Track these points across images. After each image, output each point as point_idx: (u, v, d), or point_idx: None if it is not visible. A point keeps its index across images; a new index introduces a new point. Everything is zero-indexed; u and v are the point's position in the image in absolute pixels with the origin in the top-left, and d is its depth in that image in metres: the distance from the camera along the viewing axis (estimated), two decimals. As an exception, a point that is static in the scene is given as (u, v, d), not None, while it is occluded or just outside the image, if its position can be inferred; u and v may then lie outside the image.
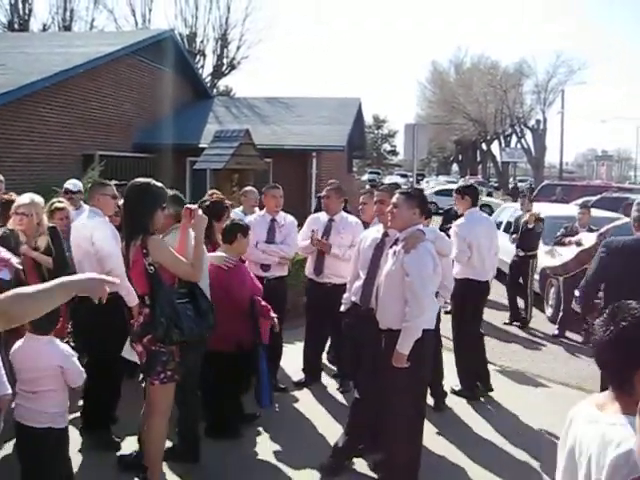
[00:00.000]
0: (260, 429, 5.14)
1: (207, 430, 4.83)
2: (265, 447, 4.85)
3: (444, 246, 4.72)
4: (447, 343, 7.87)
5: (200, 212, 4.07)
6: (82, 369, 3.72)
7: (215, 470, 4.44)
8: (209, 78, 33.96)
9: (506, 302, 9.57)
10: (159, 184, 3.98)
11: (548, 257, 8.52)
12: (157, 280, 3.75)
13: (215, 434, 4.86)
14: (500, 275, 11.76)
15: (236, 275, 4.92)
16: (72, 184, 6.90)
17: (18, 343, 3.67)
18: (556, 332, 8.50)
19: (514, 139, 53.42)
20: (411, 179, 13.90)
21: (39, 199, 5.04)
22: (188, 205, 4.13)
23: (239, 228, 5.07)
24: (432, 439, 4.95)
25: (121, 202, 4.68)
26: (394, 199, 4.34)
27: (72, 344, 4.87)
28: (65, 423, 3.71)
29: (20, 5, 32.61)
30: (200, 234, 3.97)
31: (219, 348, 4.63)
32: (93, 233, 4.71)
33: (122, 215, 4.31)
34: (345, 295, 5.13)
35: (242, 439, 4.93)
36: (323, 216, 6.23)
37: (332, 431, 5.03)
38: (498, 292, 11.11)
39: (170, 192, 4.37)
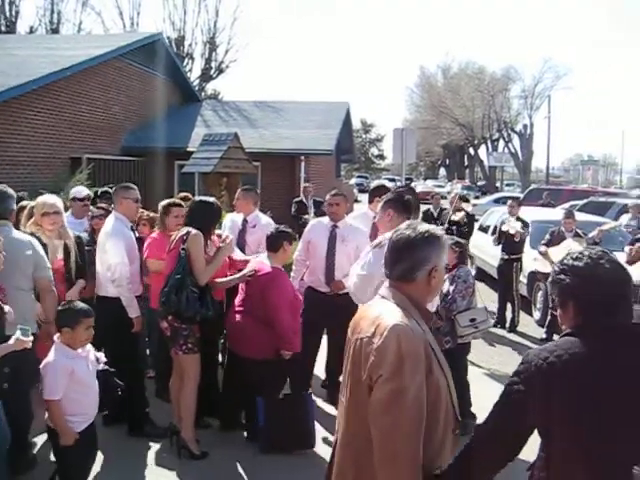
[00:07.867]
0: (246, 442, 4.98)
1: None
2: (254, 461, 4.69)
3: None
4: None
5: (229, 241, 4.80)
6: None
7: None
8: (197, 81, 33.88)
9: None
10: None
11: (539, 262, 8.56)
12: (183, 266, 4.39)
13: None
14: (487, 278, 11.83)
15: (275, 283, 4.68)
16: (77, 191, 6.52)
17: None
18: (544, 335, 8.52)
19: (501, 143, 53.84)
20: (399, 183, 13.95)
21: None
22: (218, 232, 4.96)
23: (286, 236, 4.84)
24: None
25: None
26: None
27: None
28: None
29: (7, 7, 32.48)
30: (221, 257, 4.68)
31: (259, 356, 4.61)
32: (106, 242, 4.81)
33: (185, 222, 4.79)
34: None
35: (224, 453, 4.75)
36: (325, 223, 5.80)
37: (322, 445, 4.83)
38: (482, 295, 11.15)
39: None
